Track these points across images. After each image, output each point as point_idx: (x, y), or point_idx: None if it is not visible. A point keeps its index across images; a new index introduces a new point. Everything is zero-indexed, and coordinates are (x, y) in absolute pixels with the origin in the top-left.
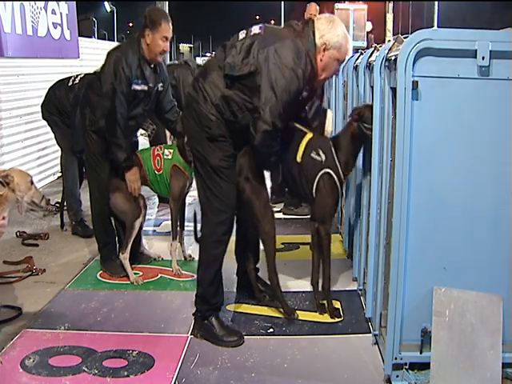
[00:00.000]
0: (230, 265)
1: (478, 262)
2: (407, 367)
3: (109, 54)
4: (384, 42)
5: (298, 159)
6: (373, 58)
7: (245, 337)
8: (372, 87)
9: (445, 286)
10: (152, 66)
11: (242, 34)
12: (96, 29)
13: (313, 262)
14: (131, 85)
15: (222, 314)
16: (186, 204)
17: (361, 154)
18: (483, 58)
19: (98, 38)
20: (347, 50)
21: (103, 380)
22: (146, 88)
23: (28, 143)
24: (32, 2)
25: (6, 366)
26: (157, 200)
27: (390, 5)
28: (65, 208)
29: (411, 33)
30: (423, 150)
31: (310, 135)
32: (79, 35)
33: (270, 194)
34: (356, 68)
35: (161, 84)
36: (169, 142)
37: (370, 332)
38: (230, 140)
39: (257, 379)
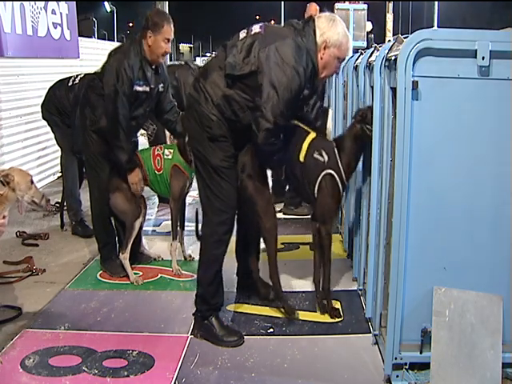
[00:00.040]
0: (230, 265)
1: (477, 262)
2: (407, 367)
3: (110, 54)
4: (384, 41)
5: (301, 159)
6: (373, 58)
7: (245, 337)
8: (372, 87)
9: (445, 286)
10: (153, 67)
11: (242, 34)
12: (96, 29)
13: (314, 261)
14: (133, 86)
15: (222, 313)
16: (186, 204)
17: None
18: (483, 58)
19: (98, 38)
20: (347, 49)
21: (103, 380)
22: (147, 89)
23: (28, 143)
24: (32, 2)
25: (5, 366)
26: (157, 200)
27: (390, 5)
28: (65, 208)
29: (411, 33)
30: (423, 150)
31: (313, 135)
32: (79, 35)
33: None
34: (356, 68)
35: (161, 85)
36: (168, 142)
37: (370, 332)
38: (231, 140)
39: (257, 379)
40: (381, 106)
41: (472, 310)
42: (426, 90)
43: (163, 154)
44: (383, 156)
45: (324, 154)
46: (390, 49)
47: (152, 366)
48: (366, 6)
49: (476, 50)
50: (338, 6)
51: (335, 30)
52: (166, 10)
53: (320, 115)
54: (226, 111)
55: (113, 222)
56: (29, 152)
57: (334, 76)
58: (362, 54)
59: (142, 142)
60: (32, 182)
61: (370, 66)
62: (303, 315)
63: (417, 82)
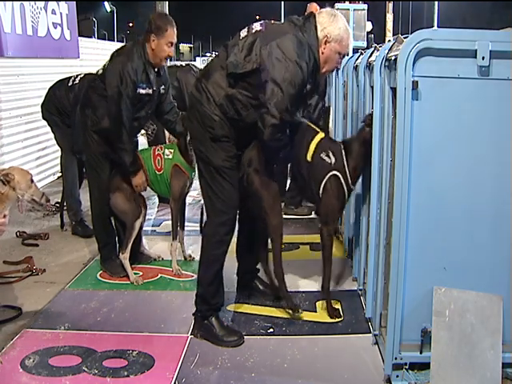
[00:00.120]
0: (230, 265)
1: (478, 262)
2: (407, 367)
3: (113, 56)
4: (384, 41)
5: (309, 158)
6: (373, 58)
7: (245, 337)
8: (372, 87)
9: (445, 286)
10: (156, 69)
11: (243, 33)
12: (96, 29)
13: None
14: (136, 89)
15: (222, 313)
16: (186, 204)
17: None
18: (483, 58)
19: (98, 38)
20: (348, 44)
21: (103, 380)
22: (150, 91)
23: (28, 143)
24: (32, 2)
25: (5, 366)
26: (157, 200)
27: (390, 5)
28: (65, 208)
29: (411, 33)
30: (423, 150)
31: (321, 135)
32: (79, 35)
33: None
34: (356, 68)
35: (162, 86)
36: (167, 143)
37: (370, 332)
38: (233, 140)
39: (257, 379)
40: (381, 106)
41: (472, 310)
42: (426, 90)
43: (163, 153)
44: (383, 156)
45: (331, 155)
46: (390, 49)
47: (152, 366)
48: (366, 5)
49: (476, 50)
50: (338, 5)
51: (336, 25)
52: (166, 10)
53: (322, 115)
54: (229, 111)
55: (113, 221)
56: (29, 152)
57: (334, 76)
58: (362, 53)
59: (142, 141)
60: (32, 181)
61: (369, 66)
62: (303, 315)
63: (417, 81)
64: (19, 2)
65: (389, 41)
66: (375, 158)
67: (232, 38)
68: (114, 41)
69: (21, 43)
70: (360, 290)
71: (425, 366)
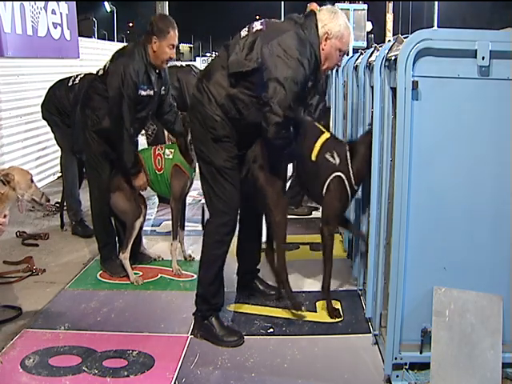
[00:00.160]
0: (230, 265)
1: (478, 262)
2: (407, 367)
3: (114, 57)
4: (384, 41)
5: (313, 158)
6: (373, 58)
7: (245, 337)
8: (372, 87)
9: (445, 286)
10: (157, 71)
11: (244, 32)
12: (96, 29)
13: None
14: (138, 90)
15: (222, 314)
16: (186, 204)
17: None
18: (483, 58)
19: (98, 38)
20: (349, 40)
21: (103, 380)
22: (151, 93)
23: (28, 143)
24: (32, 2)
25: (5, 366)
26: (157, 200)
27: (390, 5)
28: (65, 208)
29: (411, 33)
30: (423, 150)
31: (327, 135)
32: (79, 35)
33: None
34: (356, 68)
35: (163, 87)
36: (167, 143)
37: (370, 332)
38: (235, 141)
39: (257, 379)
40: (381, 106)
41: (472, 310)
42: (426, 90)
43: (164, 153)
44: (383, 156)
45: (336, 156)
46: (390, 49)
47: (152, 366)
48: (366, 6)
49: (476, 50)
50: (338, 5)
51: (337, 22)
52: (166, 10)
53: (323, 115)
54: (231, 110)
55: (113, 221)
56: (29, 152)
57: (334, 76)
58: (362, 53)
59: (142, 142)
60: (32, 181)
61: (370, 66)
62: (301, 317)
63: (417, 82)
64: (19, 2)
65: (389, 41)
66: (375, 158)
67: (232, 38)
68: (114, 41)
69: (21, 43)
70: (360, 290)
71: (425, 366)
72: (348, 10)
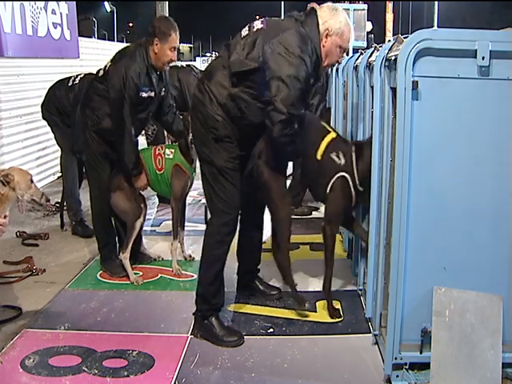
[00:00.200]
0: (230, 265)
1: (478, 262)
2: (407, 367)
3: (116, 58)
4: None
5: (318, 156)
6: (373, 58)
7: (245, 337)
8: (372, 87)
9: (445, 286)
10: (158, 72)
11: (244, 31)
12: (96, 29)
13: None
14: (139, 92)
15: (222, 314)
16: (186, 204)
17: None
18: (483, 58)
19: (98, 38)
20: (349, 37)
21: (103, 380)
22: (152, 95)
23: (28, 143)
24: (32, 2)
25: (5, 366)
26: (157, 200)
27: (390, 5)
28: (65, 208)
29: (411, 33)
30: (423, 150)
31: (333, 135)
32: (79, 35)
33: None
34: (356, 68)
35: (163, 89)
36: (167, 143)
37: (370, 332)
38: (236, 141)
39: (257, 379)
40: (381, 106)
41: (472, 310)
42: (426, 90)
43: (164, 153)
44: (383, 156)
45: (341, 156)
46: (390, 49)
47: (152, 366)
48: (366, 6)
49: (476, 50)
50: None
51: (337, 19)
52: (166, 9)
53: (324, 115)
54: (232, 110)
55: (113, 221)
56: (29, 152)
57: (334, 76)
58: (362, 53)
59: (141, 142)
60: (32, 181)
61: (370, 66)
62: (303, 315)
63: (417, 82)
64: (19, 2)
65: (389, 41)
66: (375, 158)
67: (232, 38)
68: (114, 41)
69: (21, 43)
70: (360, 290)
71: (425, 366)
72: (348, 9)
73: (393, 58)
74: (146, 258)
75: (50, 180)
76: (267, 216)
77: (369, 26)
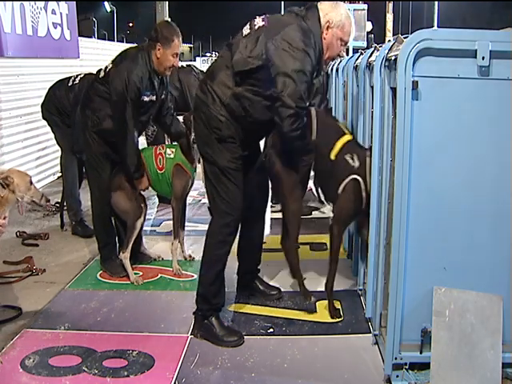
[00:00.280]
0: (230, 265)
1: (477, 262)
2: (407, 367)
3: (117, 60)
4: (384, 41)
5: (332, 157)
6: (373, 58)
7: (245, 337)
8: (372, 87)
9: (445, 286)
10: (160, 76)
11: (246, 30)
12: (96, 29)
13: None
14: (141, 96)
15: (222, 313)
16: (187, 204)
17: None
18: (483, 58)
19: (98, 38)
20: (350, 30)
21: (103, 380)
22: (154, 98)
23: (28, 143)
24: (32, 2)
25: (5, 366)
26: (157, 200)
27: (390, 5)
28: (65, 208)
29: (411, 33)
30: (423, 150)
31: (349, 137)
32: (79, 35)
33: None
34: (356, 68)
35: (164, 92)
36: (166, 143)
37: (370, 332)
38: (239, 141)
39: (257, 379)
40: (381, 106)
41: (472, 310)
42: (426, 90)
43: (165, 153)
44: (383, 156)
45: (356, 159)
46: (390, 49)
47: (152, 366)
48: (366, 6)
49: (476, 50)
50: None
51: (338, 11)
52: (166, 9)
53: None
54: (237, 109)
55: (113, 221)
56: (29, 152)
57: (334, 76)
58: (362, 53)
59: (141, 142)
60: (31, 183)
61: (370, 66)
62: (303, 315)
63: (417, 82)
64: (19, 2)
65: (389, 41)
66: (375, 157)
67: (232, 38)
68: (114, 41)
69: (21, 43)
70: (360, 290)
71: (425, 366)
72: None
73: (393, 57)
74: (146, 257)
75: (50, 180)
76: (267, 216)
77: (369, 26)
